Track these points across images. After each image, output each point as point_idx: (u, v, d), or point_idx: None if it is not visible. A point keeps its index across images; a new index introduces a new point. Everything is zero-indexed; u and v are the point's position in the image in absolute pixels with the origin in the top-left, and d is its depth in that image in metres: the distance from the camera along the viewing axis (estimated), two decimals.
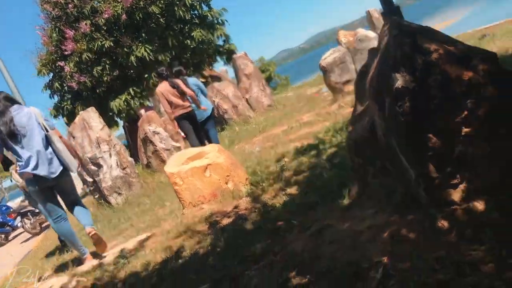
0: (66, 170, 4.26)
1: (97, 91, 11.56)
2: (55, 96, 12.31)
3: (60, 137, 4.46)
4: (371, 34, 7.23)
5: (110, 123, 12.60)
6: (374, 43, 7.11)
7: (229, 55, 13.00)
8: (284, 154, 5.64)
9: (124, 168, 7.09)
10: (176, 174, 4.67)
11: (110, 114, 11.79)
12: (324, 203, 3.16)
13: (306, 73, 63.50)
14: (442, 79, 1.80)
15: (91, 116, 7.12)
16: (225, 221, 3.90)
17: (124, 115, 11.47)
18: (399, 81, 1.84)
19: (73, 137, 7.03)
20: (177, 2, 11.30)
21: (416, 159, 1.91)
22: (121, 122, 13.22)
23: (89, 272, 3.95)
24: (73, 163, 4.48)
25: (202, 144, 8.65)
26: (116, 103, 11.13)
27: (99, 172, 6.94)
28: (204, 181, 4.64)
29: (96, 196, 7.24)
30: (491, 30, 11.01)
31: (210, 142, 7.65)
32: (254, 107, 11.59)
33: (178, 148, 7.91)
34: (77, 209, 4.39)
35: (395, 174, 2.22)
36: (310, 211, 3.14)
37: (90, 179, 7.13)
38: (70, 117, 12.24)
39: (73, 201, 4.41)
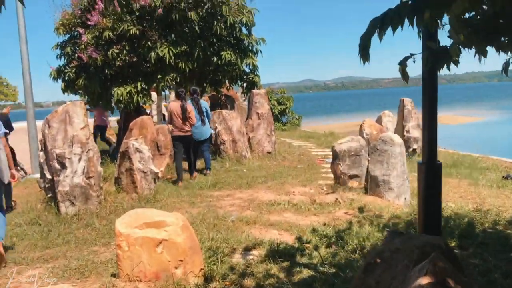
0: None
1: (105, 71, 10.89)
2: (62, 58, 11.63)
3: (5, 146, 4.67)
4: (398, 139, 6.59)
5: (106, 106, 11.93)
6: (398, 150, 6.48)
7: (249, 86, 12.37)
8: (256, 244, 4.97)
9: (88, 178, 6.39)
10: (124, 237, 3.97)
11: (110, 99, 11.13)
12: None
13: (321, 111, 63.24)
14: None
15: (76, 111, 6.44)
16: None
17: (122, 106, 10.77)
18: None
19: (49, 126, 6.33)
20: (219, 17, 10.69)
21: None
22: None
23: None
24: (6, 174, 4.68)
25: (190, 160, 8.49)
26: (119, 91, 10.44)
27: (61, 173, 6.24)
28: (153, 256, 3.95)
29: (48, 195, 6.51)
30: None
31: (202, 159, 9.10)
32: (253, 148, 10.94)
33: (155, 174, 7.22)
34: None
35: None
36: None
37: (49, 176, 6.42)
38: (69, 86, 11.58)
39: None
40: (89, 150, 6.44)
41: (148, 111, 16.09)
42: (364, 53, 2.32)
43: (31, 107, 10.59)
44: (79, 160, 6.33)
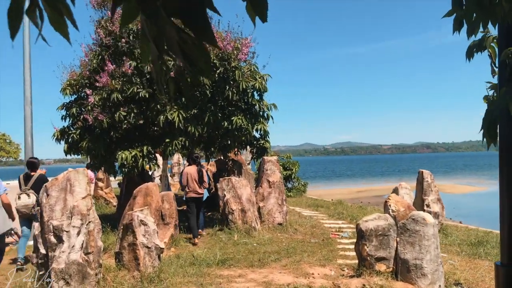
0: None
1: (111, 133, 10.46)
2: (67, 119, 11.26)
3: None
4: (430, 219, 5.97)
5: (109, 170, 11.39)
6: (431, 232, 5.85)
7: (259, 151, 11.91)
8: None
9: (87, 253, 5.70)
10: None
11: (113, 163, 10.62)
12: None
13: (323, 176, 62.68)
14: None
15: (78, 178, 5.87)
16: None
17: (126, 170, 10.22)
18: None
19: (47, 195, 5.73)
20: (231, 82, 10.41)
21: None
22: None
23: None
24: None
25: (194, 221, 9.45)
26: (124, 155, 9.94)
27: (56, 248, 5.55)
28: None
29: (41, 272, 5.78)
30: None
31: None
32: (263, 218, 10.27)
33: (160, 250, 6.52)
34: None
35: None
36: None
37: (42, 251, 5.73)
38: (72, 147, 11.11)
39: None
40: (89, 222, 5.80)
41: (150, 173, 15.48)
42: (491, 133, 1.81)
43: None
44: (78, 233, 5.66)
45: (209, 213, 13.47)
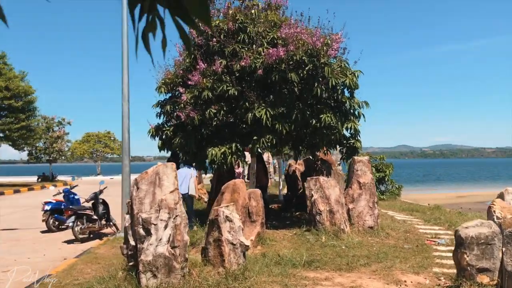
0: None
1: (202, 130, 10.70)
2: (162, 117, 11.74)
3: None
4: None
5: (200, 166, 11.66)
6: None
7: (350, 151, 11.46)
8: None
9: (173, 247, 5.80)
10: None
11: (204, 159, 10.85)
12: None
13: (418, 180, 59.32)
14: None
15: (167, 172, 6.00)
16: None
17: (216, 166, 10.39)
18: None
19: (137, 188, 5.93)
20: (320, 79, 10.11)
21: None
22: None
23: None
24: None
25: None
26: (214, 152, 10.10)
27: (145, 240, 5.72)
28: None
29: (130, 263, 6.00)
30: None
31: None
32: (353, 221, 9.85)
33: (245, 247, 6.45)
34: None
35: None
36: None
37: (132, 242, 5.94)
38: (165, 143, 11.55)
39: None
40: (176, 216, 5.91)
41: (238, 171, 15.63)
42: None
43: (127, 164, 10.58)
44: (165, 227, 5.79)
45: (297, 213, 13.29)
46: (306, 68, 9.90)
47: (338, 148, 12.19)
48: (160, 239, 5.75)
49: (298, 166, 14.41)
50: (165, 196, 5.89)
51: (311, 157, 13.87)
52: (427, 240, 9.32)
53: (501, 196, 9.73)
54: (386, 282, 6.09)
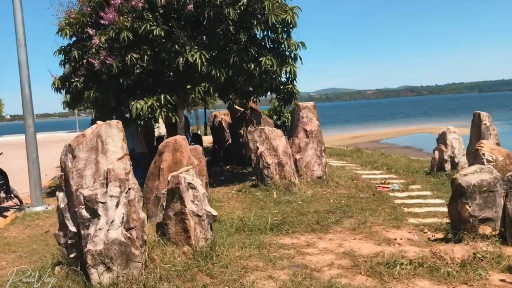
0: None
1: (121, 81, 9.01)
2: (67, 66, 9.72)
3: None
4: None
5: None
6: None
7: (287, 97, 10.59)
8: None
9: (129, 229, 4.48)
10: None
11: (126, 115, 9.22)
12: None
13: (335, 121, 61.20)
14: None
15: (111, 134, 4.54)
16: None
17: (142, 122, 8.86)
18: None
19: (73, 157, 4.43)
20: (259, 16, 8.89)
21: None
22: None
23: None
24: None
25: None
26: (139, 105, 8.54)
27: (91, 225, 4.31)
28: None
29: (71, 255, 4.57)
30: None
31: None
32: (301, 172, 9.13)
33: (213, 218, 5.33)
34: None
35: None
36: None
37: (72, 228, 4.49)
38: (75, 98, 9.65)
39: None
40: (129, 189, 4.54)
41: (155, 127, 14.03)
42: None
43: (31, 124, 8.56)
44: (117, 204, 4.41)
45: (228, 167, 12.31)
46: (244, 2, 8.59)
47: (272, 95, 11.28)
48: (112, 221, 4.37)
49: (224, 117, 13.27)
50: (112, 165, 4.47)
51: (236, 107, 12.80)
52: (379, 187, 8.95)
53: (442, 136, 9.64)
54: (376, 243, 5.42)
